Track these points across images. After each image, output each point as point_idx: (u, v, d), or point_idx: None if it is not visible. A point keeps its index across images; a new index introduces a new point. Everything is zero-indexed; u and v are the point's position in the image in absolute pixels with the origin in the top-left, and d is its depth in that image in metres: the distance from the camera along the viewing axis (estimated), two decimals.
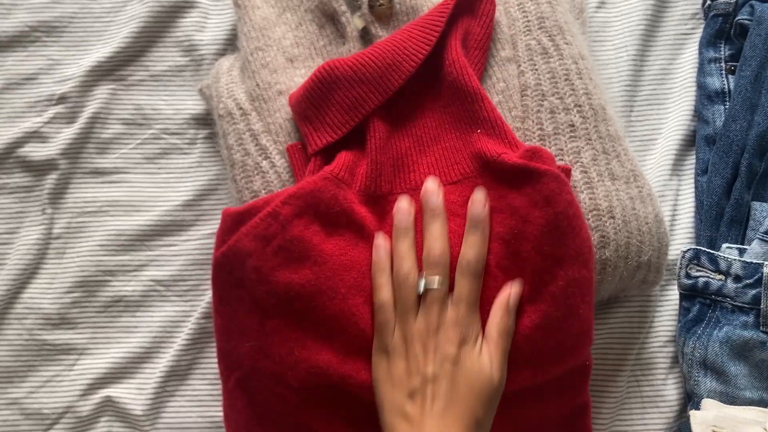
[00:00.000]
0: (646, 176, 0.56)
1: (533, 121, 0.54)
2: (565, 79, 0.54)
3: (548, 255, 0.48)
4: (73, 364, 0.61)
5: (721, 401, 0.57)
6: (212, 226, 0.63)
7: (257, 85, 0.57)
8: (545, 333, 0.48)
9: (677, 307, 0.61)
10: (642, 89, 0.65)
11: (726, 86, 0.63)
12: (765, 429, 0.54)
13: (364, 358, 0.49)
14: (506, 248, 0.48)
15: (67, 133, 0.65)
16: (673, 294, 0.62)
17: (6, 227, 0.63)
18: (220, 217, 0.63)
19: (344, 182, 0.51)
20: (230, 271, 0.53)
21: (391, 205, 0.51)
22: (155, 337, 0.62)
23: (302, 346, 0.49)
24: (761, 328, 0.56)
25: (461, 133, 0.51)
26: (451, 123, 0.52)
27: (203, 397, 0.61)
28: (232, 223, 0.53)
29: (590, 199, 0.53)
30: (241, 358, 0.52)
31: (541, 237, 0.47)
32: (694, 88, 0.65)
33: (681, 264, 0.59)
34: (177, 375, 0.61)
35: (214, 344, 0.62)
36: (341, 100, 0.52)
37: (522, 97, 0.54)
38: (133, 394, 0.60)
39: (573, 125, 0.54)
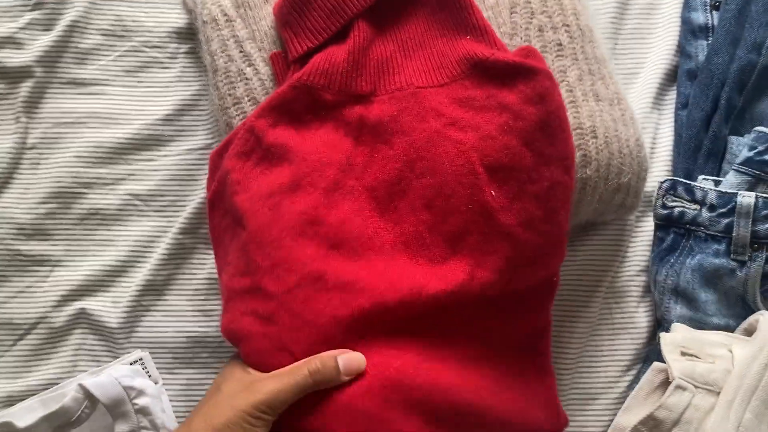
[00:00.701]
0: (628, 101, 0.57)
1: (521, 38, 0.54)
2: None
3: (537, 152, 0.48)
4: (47, 276, 0.60)
5: (690, 327, 0.58)
6: (192, 141, 0.62)
7: None
8: (526, 232, 0.49)
9: (651, 238, 0.62)
10: (627, 22, 0.66)
11: (710, 21, 0.64)
12: (730, 351, 0.55)
13: (344, 250, 0.49)
14: (493, 144, 0.48)
15: (43, 41, 0.63)
16: (647, 225, 0.63)
17: None
18: (200, 133, 0.63)
19: (317, 87, 0.50)
20: (221, 201, 0.53)
21: (374, 106, 0.51)
22: (132, 251, 0.61)
23: (279, 246, 0.48)
24: (732, 255, 0.58)
25: (449, 39, 0.51)
26: (438, 29, 0.52)
27: (180, 312, 0.60)
28: (216, 160, 0.53)
29: (574, 117, 0.53)
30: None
31: (533, 132, 0.47)
32: (679, 23, 0.65)
33: (658, 194, 0.60)
34: (153, 289, 0.60)
35: (192, 260, 0.61)
36: (323, 4, 0.51)
37: (511, 14, 0.54)
38: (108, 307, 0.60)
39: (560, 44, 0.54)
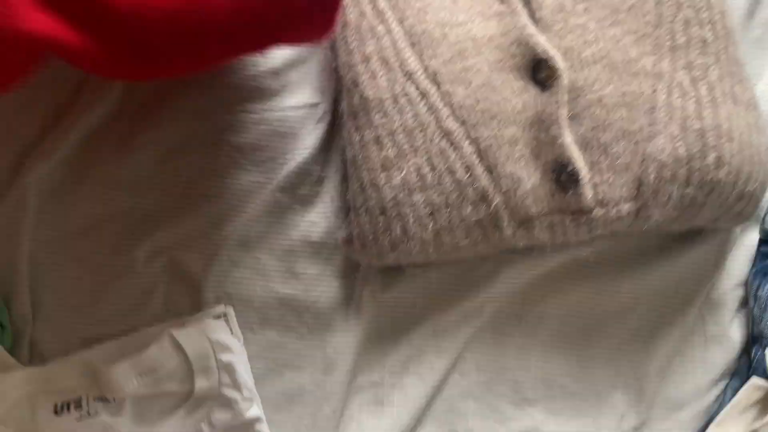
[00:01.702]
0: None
1: (666, 30, 0.52)
2: None
3: None
4: (140, 224, 0.58)
5: None
6: (297, 98, 0.60)
7: None
8: None
9: (753, 253, 0.61)
10: (752, 31, 0.64)
11: None
12: None
13: None
14: None
15: None
16: (749, 240, 0.61)
17: None
18: (306, 90, 0.61)
19: None
20: None
21: None
22: (225, 203, 0.59)
23: None
24: None
25: None
26: None
27: (269, 271, 0.58)
28: None
29: (713, 117, 0.51)
30: None
31: None
32: None
33: (767, 210, 0.59)
34: (244, 245, 0.58)
35: (286, 219, 0.60)
36: None
37: (656, 3, 0.52)
38: (196, 258, 0.58)
39: (705, 41, 0.52)
